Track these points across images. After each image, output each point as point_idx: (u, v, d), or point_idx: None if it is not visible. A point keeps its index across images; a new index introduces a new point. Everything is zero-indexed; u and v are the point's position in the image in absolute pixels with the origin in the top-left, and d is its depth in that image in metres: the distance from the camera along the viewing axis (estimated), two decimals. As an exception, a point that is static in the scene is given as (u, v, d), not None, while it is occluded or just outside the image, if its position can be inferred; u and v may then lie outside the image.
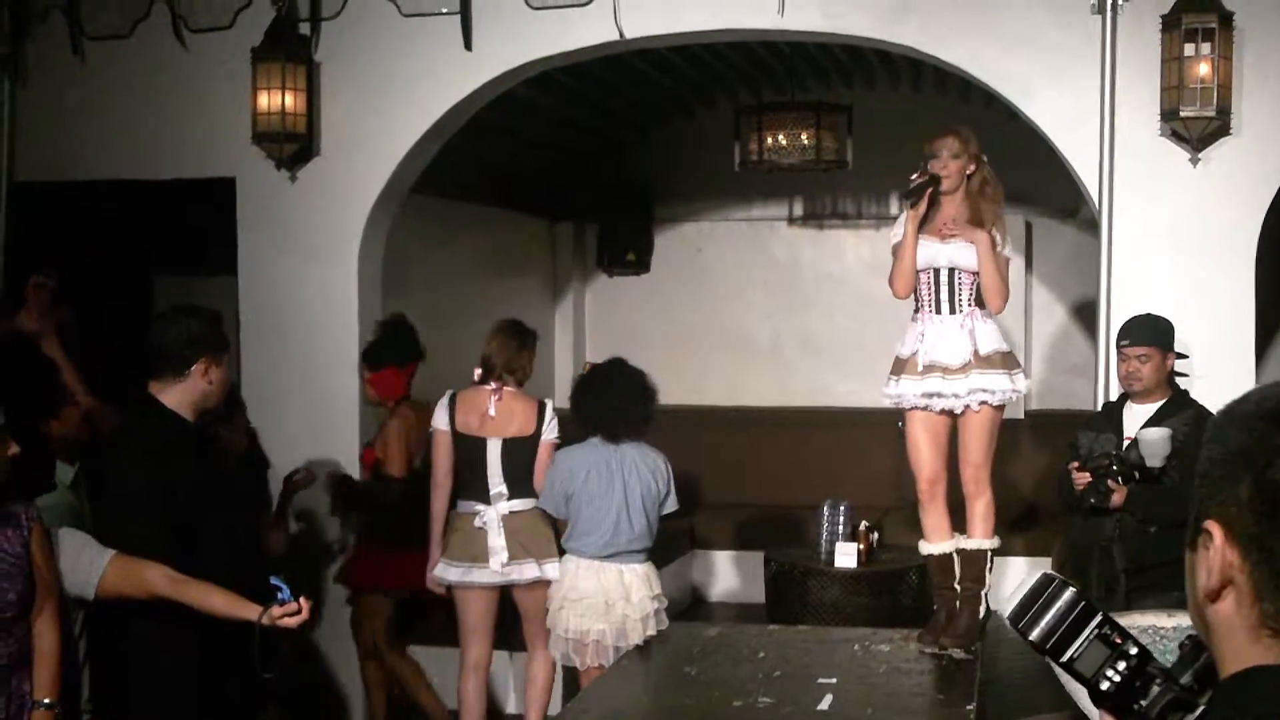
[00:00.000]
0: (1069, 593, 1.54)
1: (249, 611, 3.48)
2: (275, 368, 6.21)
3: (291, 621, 3.46)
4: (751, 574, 8.23)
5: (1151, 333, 5.18)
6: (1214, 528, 1.31)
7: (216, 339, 4.12)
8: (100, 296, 7.18)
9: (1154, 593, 4.79)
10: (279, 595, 3.43)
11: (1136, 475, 4.97)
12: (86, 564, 3.59)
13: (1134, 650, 1.52)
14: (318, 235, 6.38)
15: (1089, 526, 5.20)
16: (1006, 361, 5.04)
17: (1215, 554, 1.30)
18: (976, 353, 4.99)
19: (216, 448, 4.59)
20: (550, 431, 5.64)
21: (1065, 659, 1.53)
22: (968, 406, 5.01)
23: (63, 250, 7.06)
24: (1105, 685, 1.52)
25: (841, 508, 7.31)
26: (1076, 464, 5.21)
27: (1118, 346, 5.26)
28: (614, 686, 4.87)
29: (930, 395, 5.04)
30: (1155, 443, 4.92)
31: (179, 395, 4.03)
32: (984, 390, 4.99)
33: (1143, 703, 1.50)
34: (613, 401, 5.47)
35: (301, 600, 3.46)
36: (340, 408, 6.34)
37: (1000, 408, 5.09)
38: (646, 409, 5.51)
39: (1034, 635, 1.54)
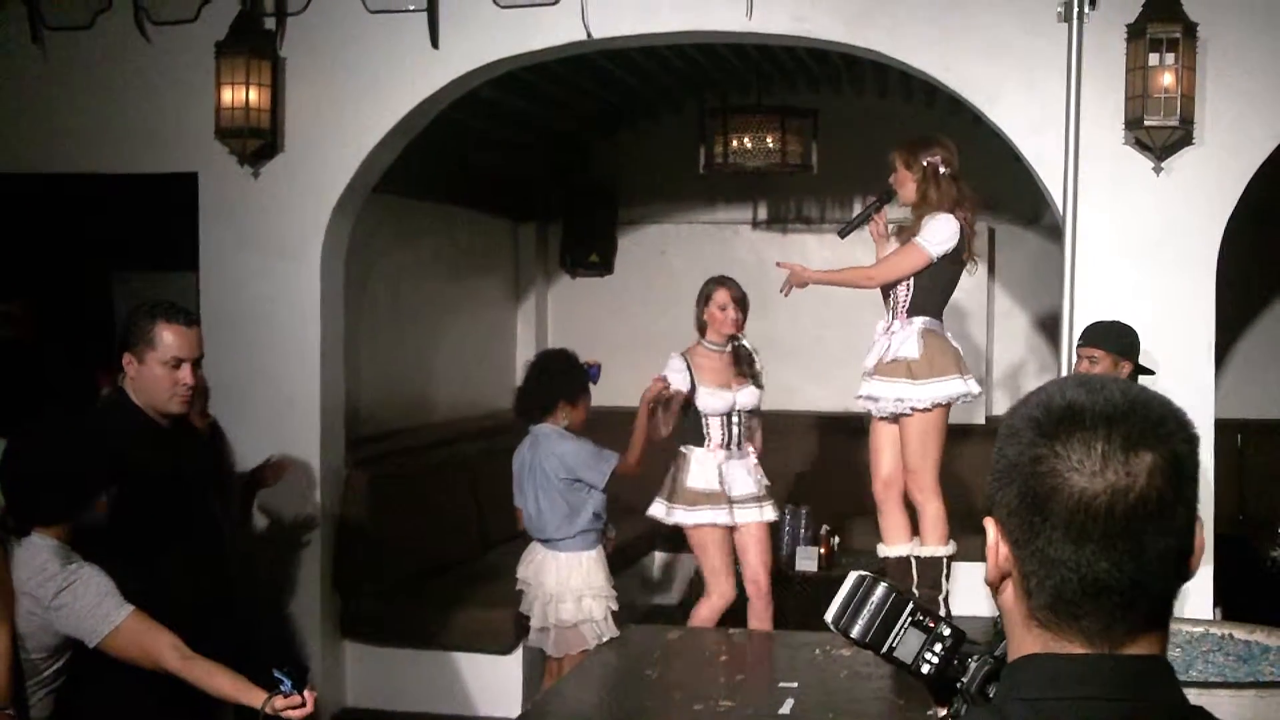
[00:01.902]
0: (881, 588, 1.65)
1: (254, 698, 3.44)
2: (236, 364, 6.14)
3: (295, 715, 3.41)
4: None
5: (1102, 337, 5.25)
6: (990, 525, 1.44)
7: (133, 335, 4.00)
8: (59, 291, 7.12)
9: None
10: (281, 687, 3.39)
11: None
12: (102, 615, 3.50)
13: (947, 632, 1.63)
14: (280, 232, 6.33)
15: None
16: (912, 370, 5.11)
17: (991, 550, 1.44)
18: (881, 360, 5.14)
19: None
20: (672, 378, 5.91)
21: (885, 650, 1.63)
22: (898, 412, 5.16)
23: (20, 243, 7.01)
24: (926, 668, 1.62)
25: (803, 512, 7.33)
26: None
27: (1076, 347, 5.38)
28: (574, 689, 4.85)
29: (857, 397, 5.38)
30: None
31: (129, 388, 4.03)
32: (868, 398, 5.18)
33: (964, 679, 1.61)
34: (523, 385, 5.80)
35: (306, 693, 3.41)
36: (301, 404, 6.29)
37: (934, 412, 5.15)
38: (547, 390, 5.68)
39: (855, 632, 1.65)
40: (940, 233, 5.17)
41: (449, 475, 7.56)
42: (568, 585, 5.56)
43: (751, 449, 6.05)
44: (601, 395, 6.01)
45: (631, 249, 9.72)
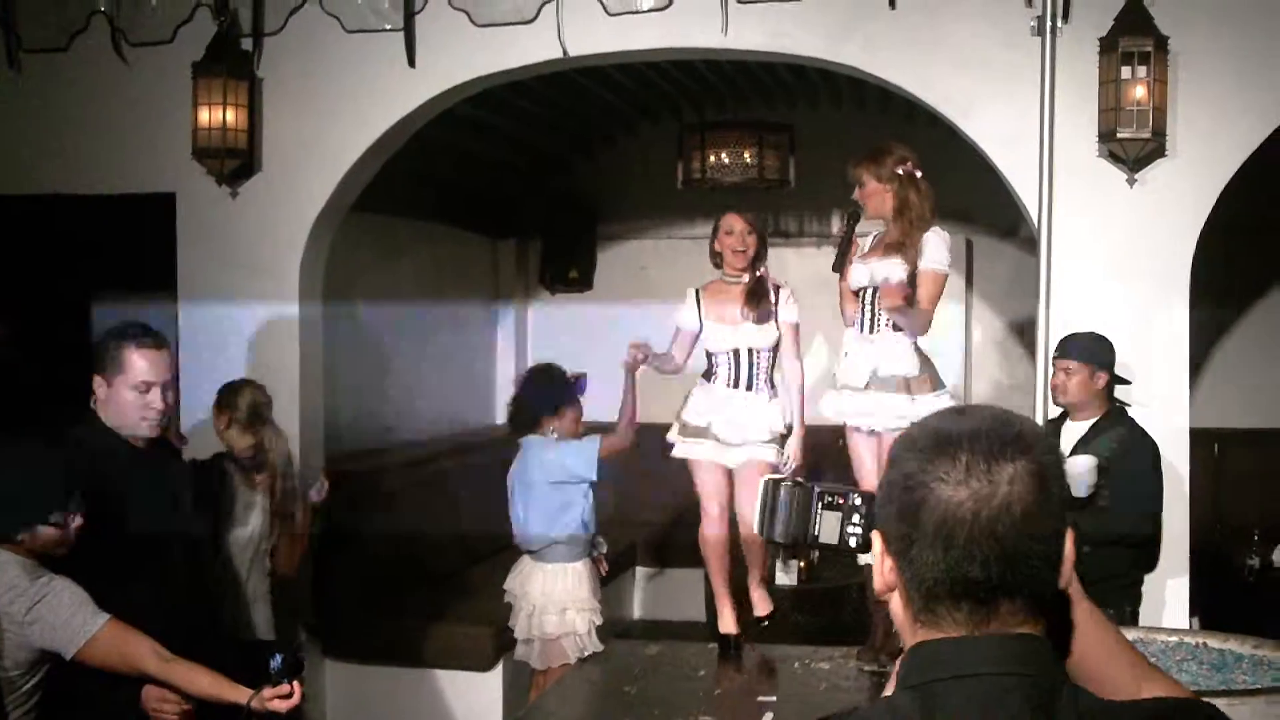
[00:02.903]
0: (785, 486, 1.73)
1: (238, 695, 3.41)
2: (215, 384, 6.11)
3: (281, 706, 3.37)
4: (692, 591, 8.23)
5: (1079, 348, 5.28)
6: (876, 537, 1.55)
7: (103, 358, 3.96)
8: (38, 314, 7.10)
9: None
10: (272, 663, 3.35)
11: None
12: (78, 625, 3.49)
13: (859, 500, 1.70)
14: (259, 252, 6.32)
15: None
16: (909, 385, 5.08)
17: (877, 560, 1.55)
18: (876, 374, 5.09)
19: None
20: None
21: (810, 540, 1.71)
22: (896, 427, 5.09)
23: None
24: (853, 541, 1.70)
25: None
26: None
27: (1052, 359, 5.40)
28: (554, 705, 4.86)
29: (841, 412, 5.22)
30: (1079, 474, 4.96)
31: (100, 410, 3.99)
32: (867, 414, 5.11)
33: None
34: (511, 401, 5.94)
35: (294, 684, 3.38)
36: (280, 423, 6.23)
37: None
38: (529, 405, 5.80)
39: (778, 535, 1.72)
40: (942, 249, 5.15)
41: (430, 492, 7.56)
42: (551, 597, 5.58)
43: (769, 389, 5.61)
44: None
45: (611, 265, 9.74)
